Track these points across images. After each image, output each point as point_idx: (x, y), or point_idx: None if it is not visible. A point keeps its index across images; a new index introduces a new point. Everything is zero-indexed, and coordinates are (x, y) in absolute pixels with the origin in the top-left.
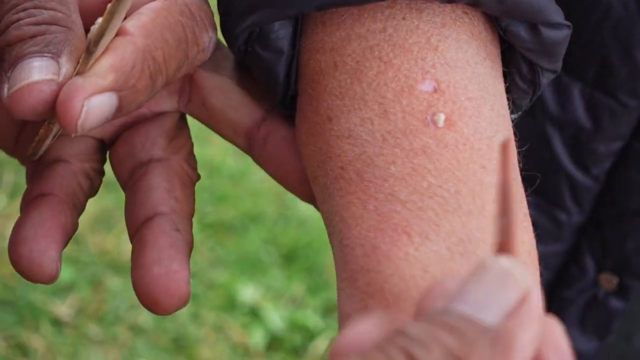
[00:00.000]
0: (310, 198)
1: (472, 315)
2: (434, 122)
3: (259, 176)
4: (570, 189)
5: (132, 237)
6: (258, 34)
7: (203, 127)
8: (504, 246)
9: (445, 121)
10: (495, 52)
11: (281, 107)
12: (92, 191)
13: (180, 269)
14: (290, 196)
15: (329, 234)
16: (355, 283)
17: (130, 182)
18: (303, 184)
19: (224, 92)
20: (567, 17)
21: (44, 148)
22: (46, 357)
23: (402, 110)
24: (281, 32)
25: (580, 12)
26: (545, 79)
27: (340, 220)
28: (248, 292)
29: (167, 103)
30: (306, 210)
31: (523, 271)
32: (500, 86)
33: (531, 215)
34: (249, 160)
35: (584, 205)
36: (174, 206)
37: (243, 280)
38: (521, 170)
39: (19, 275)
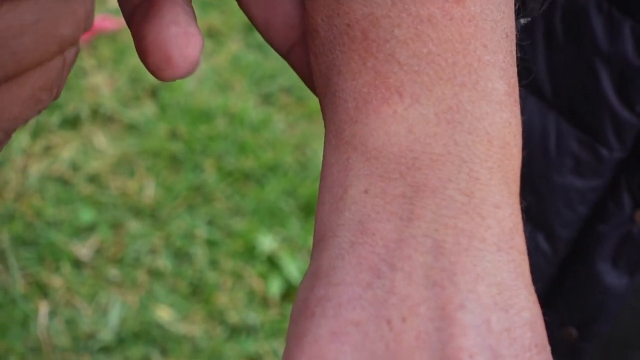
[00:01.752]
0: (286, 49)
1: None
2: None
3: (280, 126)
4: (614, 125)
5: (136, 7)
6: None
7: (225, 75)
8: None
9: None
10: None
11: None
12: None
13: (196, 33)
14: (310, 148)
15: (321, 87)
16: (341, 134)
17: None
18: (286, 31)
19: None
20: None
21: None
22: (65, 297)
23: None
24: None
25: None
26: None
27: (337, 74)
28: (266, 242)
29: None
30: None
31: None
32: None
33: (574, 150)
34: (270, 110)
35: (626, 141)
36: None
37: (261, 229)
38: (518, 61)
39: (40, 215)
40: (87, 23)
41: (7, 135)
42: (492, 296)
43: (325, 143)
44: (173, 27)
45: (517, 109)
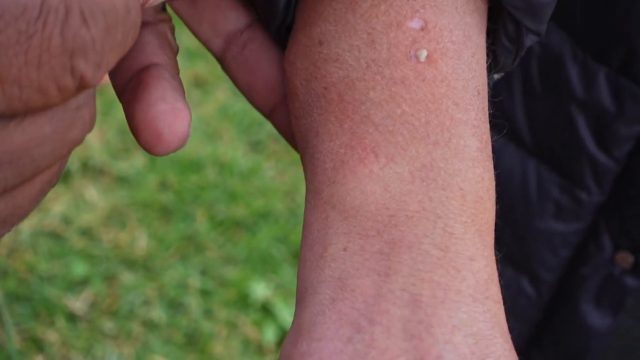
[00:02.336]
0: (268, 110)
1: None
2: (417, 57)
3: (269, 174)
4: (592, 170)
5: (126, 83)
6: None
7: (213, 124)
8: None
9: (426, 57)
10: (482, 7)
11: (276, 35)
12: None
13: (184, 109)
14: (300, 194)
15: (302, 148)
16: (320, 194)
17: None
18: (267, 93)
19: None
20: (595, 4)
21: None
22: (61, 352)
23: (388, 42)
24: None
25: None
26: (529, 41)
27: (315, 135)
28: (260, 289)
29: None
30: None
31: None
32: (483, 40)
33: (555, 195)
34: (259, 157)
35: (604, 185)
36: (167, 61)
37: (254, 277)
38: (491, 118)
39: (33, 270)
40: (91, 124)
41: (12, 226)
42: (469, 346)
43: (305, 202)
44: (161, 104)
45: (489, 164)
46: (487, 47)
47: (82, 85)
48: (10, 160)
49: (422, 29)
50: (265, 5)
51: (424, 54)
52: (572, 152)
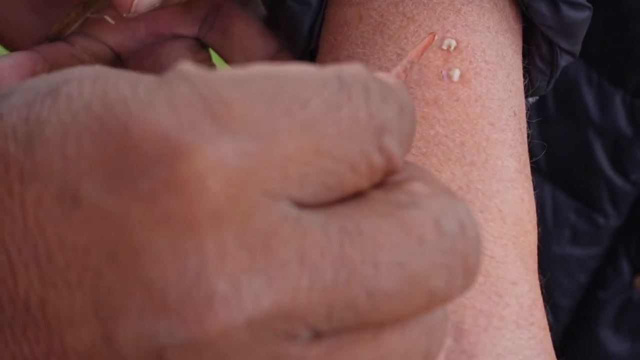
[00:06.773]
0: None
1: None
2: (449, 77)
3: None
4: (609, 194)
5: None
6: None
7: None
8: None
9: (459, 77)
10: (516, 28)
11: (301, 60)
12: None
13: None
14: None
15: None
16: None
17: None
18: None
19: (246, 22)
20: (610, 27)
21: (70, 31)
22: None
23: (418, 63)
24: None
25: (624, 21)
26: (564, 61)
27: None
28: None
29: (188, 27)
30: None
31: None
32: (518, 61)
33: (572, 220)
34: None
35: (622, 209)
36: None
37: None
38: (529, 139)
39: None
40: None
41: None
42: None
43: None
44: None
45: (529, 185)
46: (523, 68)
47: (389, 168)
48: None
49: (454, 48)
50: (290, 32)
51: (456, 73)
52: (588, 176)
